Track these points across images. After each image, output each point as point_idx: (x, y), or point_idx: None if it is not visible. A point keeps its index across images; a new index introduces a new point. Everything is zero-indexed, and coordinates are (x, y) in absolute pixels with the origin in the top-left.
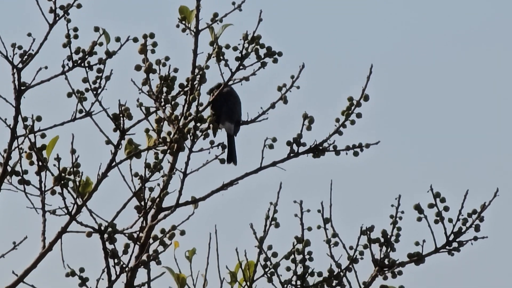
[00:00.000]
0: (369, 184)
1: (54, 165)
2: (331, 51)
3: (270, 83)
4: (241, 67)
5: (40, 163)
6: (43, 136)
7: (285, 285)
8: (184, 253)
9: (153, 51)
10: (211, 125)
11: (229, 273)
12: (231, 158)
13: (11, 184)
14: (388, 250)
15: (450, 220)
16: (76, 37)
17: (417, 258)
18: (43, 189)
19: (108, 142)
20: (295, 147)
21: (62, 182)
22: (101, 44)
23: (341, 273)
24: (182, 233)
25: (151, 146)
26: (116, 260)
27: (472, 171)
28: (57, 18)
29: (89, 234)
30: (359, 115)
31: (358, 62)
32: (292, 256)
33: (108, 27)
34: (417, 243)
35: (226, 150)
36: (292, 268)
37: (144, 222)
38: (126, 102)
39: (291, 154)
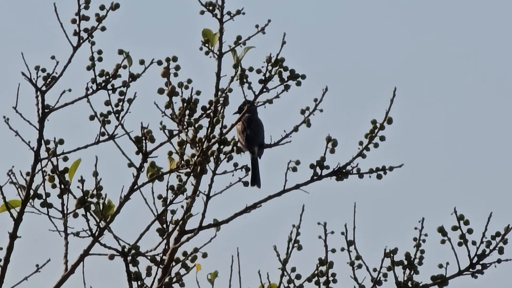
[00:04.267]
0: (392, 206)
1: (78, 187)
2: (355, 74)
3: (294, 106)
4: (264, 89)
5: (62, 186)
6: (65, 159)
7: None
8: (206, 276)
9: (176, 74)
10: (234, 147)
11: None
12: (255, 180)
13: (33, 207)
14: (412, 273)
15: (474, 243)
16: (100, 59)
17: (440, 281)
18: (65, 212)
19: (131, 165)
20: (318, 170)
21: (85, 205)
22: (125, 67)
23: None
24: (205, 255)
25: (174, 169)
26: (139, 283)
27: (496, 193)
28: (81, 41)
29: (111, 257)
30: (382, 138)
31: (382, 85)
32: (316, 278)
33: (131, 50)
34: (440, 266)
35: (249, 172)
36: None
37: (167, 245)
38: (149, 125)
39: (315, 177)
